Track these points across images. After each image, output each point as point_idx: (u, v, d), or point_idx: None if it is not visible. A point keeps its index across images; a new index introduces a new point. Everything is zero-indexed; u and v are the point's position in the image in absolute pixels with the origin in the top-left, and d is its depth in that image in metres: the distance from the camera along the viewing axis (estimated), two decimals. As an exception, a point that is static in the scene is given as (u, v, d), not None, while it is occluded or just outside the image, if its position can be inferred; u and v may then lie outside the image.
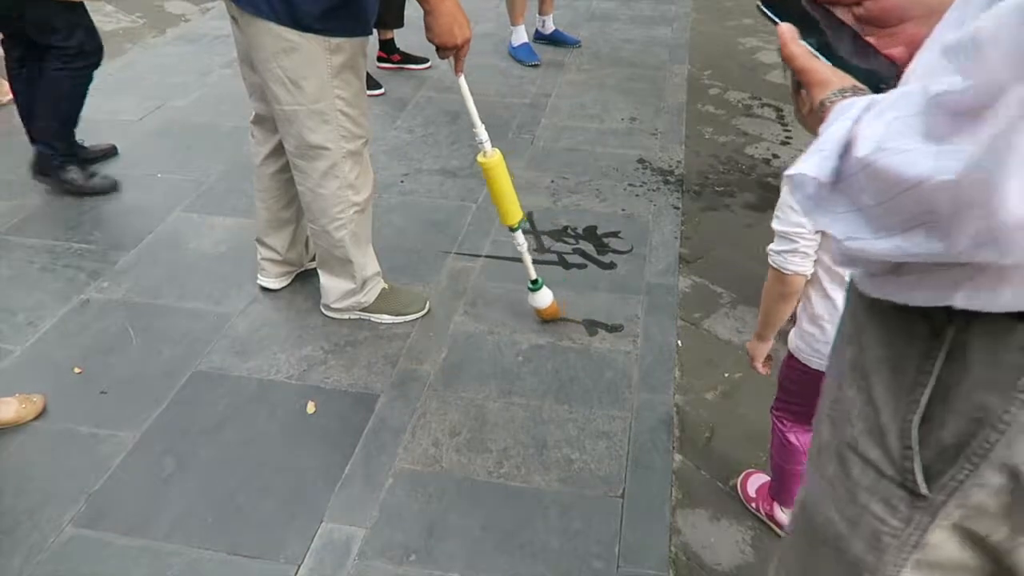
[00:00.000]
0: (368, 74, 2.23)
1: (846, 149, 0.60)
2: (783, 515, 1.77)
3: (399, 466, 1.90)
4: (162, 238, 2.76)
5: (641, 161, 3.30)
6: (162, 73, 4.08)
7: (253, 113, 2.26)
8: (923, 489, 0.70)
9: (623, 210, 2.95)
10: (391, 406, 2.07)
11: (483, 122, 2.09)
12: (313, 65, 1.95)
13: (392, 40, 4.13)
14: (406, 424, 2.02)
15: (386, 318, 2.36)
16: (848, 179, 0.60)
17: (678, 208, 2.97)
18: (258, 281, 2.48)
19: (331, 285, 2.31)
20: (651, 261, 2.66)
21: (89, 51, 2.84)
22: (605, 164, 3.27)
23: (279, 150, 2.24)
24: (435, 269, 2.61)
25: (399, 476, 1.87)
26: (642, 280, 2.56)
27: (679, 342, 2.30)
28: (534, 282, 2.30)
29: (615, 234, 2.80)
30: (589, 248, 2.72)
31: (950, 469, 0.68)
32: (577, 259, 2.66)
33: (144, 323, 2.35)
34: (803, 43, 0.72)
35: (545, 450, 1.95)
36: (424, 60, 4.17)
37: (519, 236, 2.25)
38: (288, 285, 2.51)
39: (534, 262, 2.30)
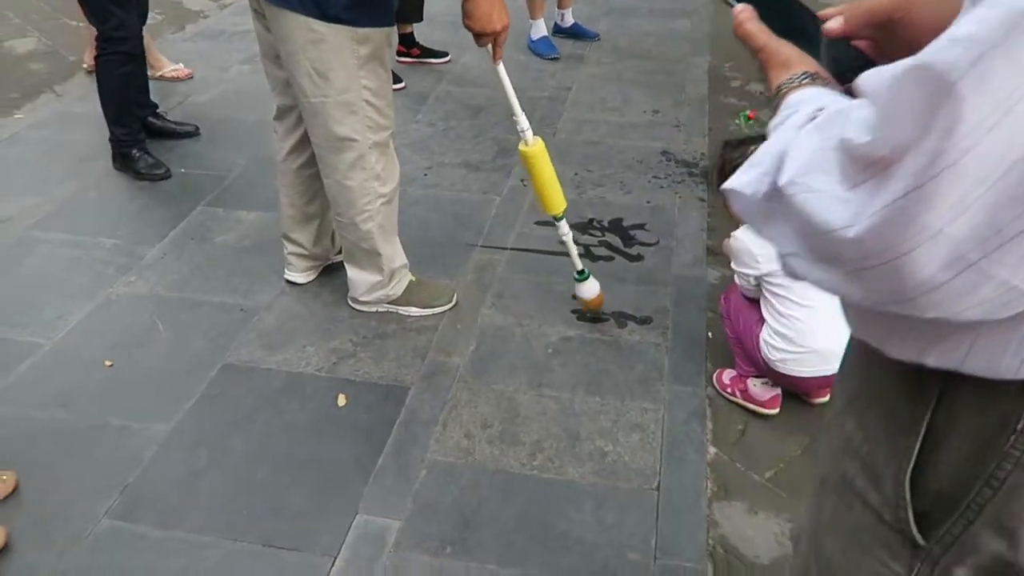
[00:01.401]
0: (390, 67, 2.23)
1: (781, 165, 0.57)
2: (755, 388, 2.03)
3: (432, 458, 1.89)
4: (187, 232, 2.76)
5: (664, 153, 3.27)
6: (182, 69, 4.09)
7: (275, 108, 2.26)
8: (919, 539, 0.65)
9: (648, 202, 2.93)
10: (421, 398, 2.06)
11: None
12: (340, 56, 1.93)
13: (411, 34, 4.11)
14: (437, 416, 2.01)
15: (414, 311, 2.35)
16: (780, 199, 0.56)
17: (704, 200, 2.94)
18: (285, 276, 2.48)
19: (359, 278, 2.30)
20: (678, 253, 2.64)
21: (117, 38, 2.93)
22: (628, 157, 3.25)
23: (302, 145, 2.24)
24: (461, 262, 2.60)
25: (432, 468, 1.86)
26: (669, 272, 2.54)
27: (710, 334, 2.28)
28: (580, 272, 2.26)
29: (641, 226, 2.78)
30: (615, 240, 2.70)
31: (947, 521, 0.63)
32: (603, 251, 2.64)
33: (172, 317, 2.35)
34: (763, 24, 0.68)
35: (578, 442, 1.93)
36: (444, 54, 4.15)
37: (563, 225, 2.21)
38: (315, 279, 2.50)
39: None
